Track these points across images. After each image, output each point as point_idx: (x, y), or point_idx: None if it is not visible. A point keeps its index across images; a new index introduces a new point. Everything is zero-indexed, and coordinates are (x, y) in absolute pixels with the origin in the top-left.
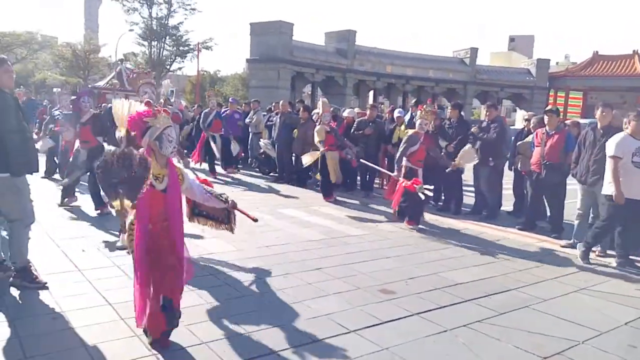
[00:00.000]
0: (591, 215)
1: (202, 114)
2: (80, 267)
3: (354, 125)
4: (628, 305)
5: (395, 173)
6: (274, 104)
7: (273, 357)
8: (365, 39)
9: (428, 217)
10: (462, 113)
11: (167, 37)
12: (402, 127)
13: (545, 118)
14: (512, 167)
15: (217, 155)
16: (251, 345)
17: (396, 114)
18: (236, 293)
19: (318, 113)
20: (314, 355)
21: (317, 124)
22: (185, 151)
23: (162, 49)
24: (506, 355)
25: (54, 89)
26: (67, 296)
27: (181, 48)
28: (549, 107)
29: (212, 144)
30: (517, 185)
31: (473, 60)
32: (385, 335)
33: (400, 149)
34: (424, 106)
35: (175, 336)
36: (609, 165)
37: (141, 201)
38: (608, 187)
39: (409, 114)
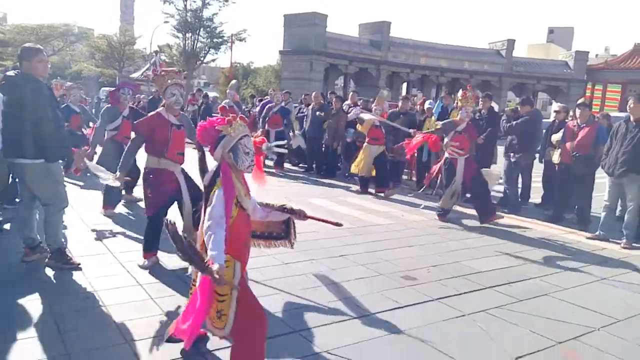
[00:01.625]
0: (619, 208)
1: (266, 107)
2: (113, 250)
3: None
4: None
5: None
6: (304, 96)
7: (294, 336)
8: (400, 30)
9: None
10: (494, 105)
11: (202, 29)
12: (433, 118)
13: (577, 111)
14: (543, 159)
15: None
16: (273, 324)
17: (427, 105)
18: (261, 277)
19: (348, 104)
20: (334, 335)
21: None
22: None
23: (196, 41)
24: (522, 339)
25: (67, 83)
26: (99, 277)
27: (215, 40)
28: (581, 100)
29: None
30: (547, 178)
31: (510, 52)
32: (404, 318)
33: (431, 129)
34: (466, 92)
35: None
36: None
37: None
38: None
39: (437, 104)
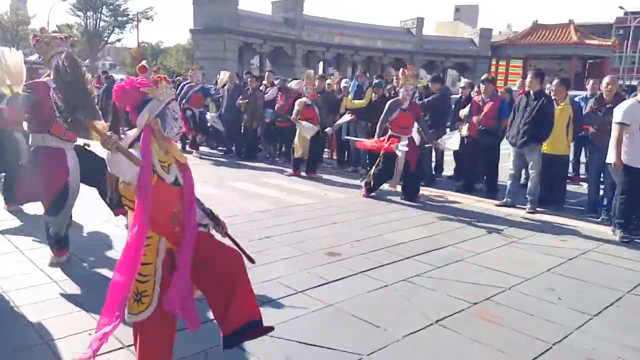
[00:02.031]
0: (524, 176)
1: (186, 86)
2: (21, 247)
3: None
4: (552, 255)
5: (374, 140)
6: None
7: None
8: (313, 8)
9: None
10: None
11: (104, 7)
12: (349, 97)
13: (482, 86)
14: None
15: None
16: (203, 309)
17: (343, 84)
18: None
19: (265, 84)
20: (262, 316)
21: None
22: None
23: (98, 20)
24: (440, 303)
25: None
26: (8, 277)
27: (119, 18)
28: (485, 76)
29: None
30: (457, 151)
31: (419, 31)
32: (330, 293)
33: (381, 117)
34: (406, 71)
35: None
36: (613, 132)
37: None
38: (611, 155)
39: (352, 83)
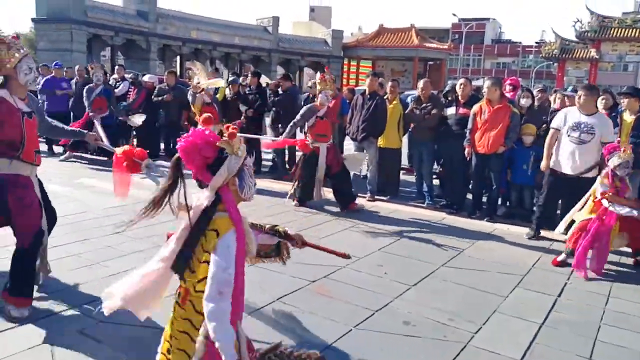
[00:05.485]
0: (366, 168)
1: (86, 89)
2: None
3: (155, 91)
4: (384, 236)
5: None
6: (66, 70)
7: (72, 311)
8: (168, 2)
9: None
10: (264, 80)
11: None
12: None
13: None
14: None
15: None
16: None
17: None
18: None
19: (115, 78)
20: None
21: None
22: None
23: None
24: (284, 283)
25: None
26: None
27: None
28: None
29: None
30: None
31: (275, 29)
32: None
33: (294, 121)
34: (325, 75)
35: None
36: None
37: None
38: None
39: None
